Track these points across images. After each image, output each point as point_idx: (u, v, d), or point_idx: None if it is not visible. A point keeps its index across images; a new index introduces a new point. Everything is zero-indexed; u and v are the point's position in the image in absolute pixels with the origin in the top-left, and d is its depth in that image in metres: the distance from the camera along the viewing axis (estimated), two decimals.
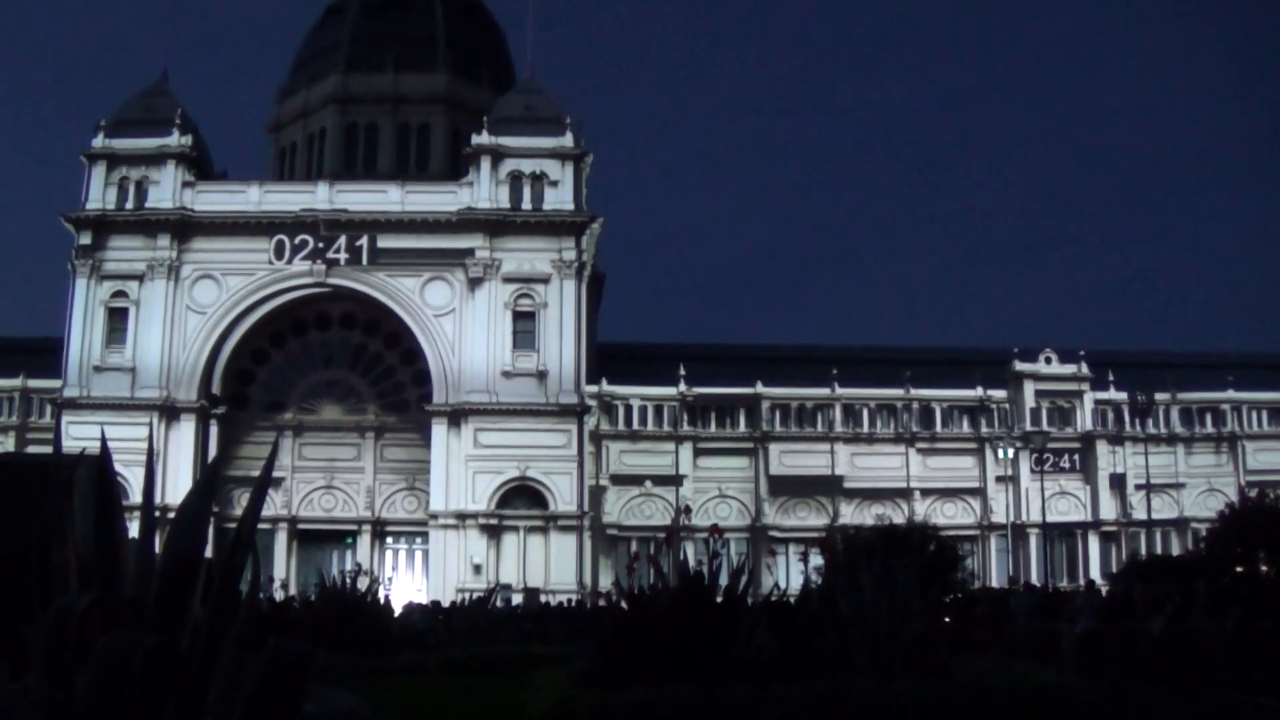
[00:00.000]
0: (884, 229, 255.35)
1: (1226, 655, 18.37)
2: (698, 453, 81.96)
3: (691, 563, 18.41)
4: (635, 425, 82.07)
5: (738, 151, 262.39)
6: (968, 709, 13.63)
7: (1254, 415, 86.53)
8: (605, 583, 70.46)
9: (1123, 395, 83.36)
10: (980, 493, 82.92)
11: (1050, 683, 15.94)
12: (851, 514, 79.15)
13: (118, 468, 7.26)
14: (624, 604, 18.16)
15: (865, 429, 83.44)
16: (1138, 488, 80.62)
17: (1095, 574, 71.31)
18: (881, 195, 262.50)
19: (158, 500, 6.94)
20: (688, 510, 69.13)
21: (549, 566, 73.67)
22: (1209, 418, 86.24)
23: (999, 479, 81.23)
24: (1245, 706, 14.03)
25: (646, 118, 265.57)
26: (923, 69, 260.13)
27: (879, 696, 13.64)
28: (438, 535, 74.43)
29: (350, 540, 79.02)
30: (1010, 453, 78.82)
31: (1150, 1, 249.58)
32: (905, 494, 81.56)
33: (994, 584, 70.40)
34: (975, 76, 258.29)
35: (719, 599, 16.73)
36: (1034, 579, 73.64)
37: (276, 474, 75.69)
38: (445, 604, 51.78)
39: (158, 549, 5.98)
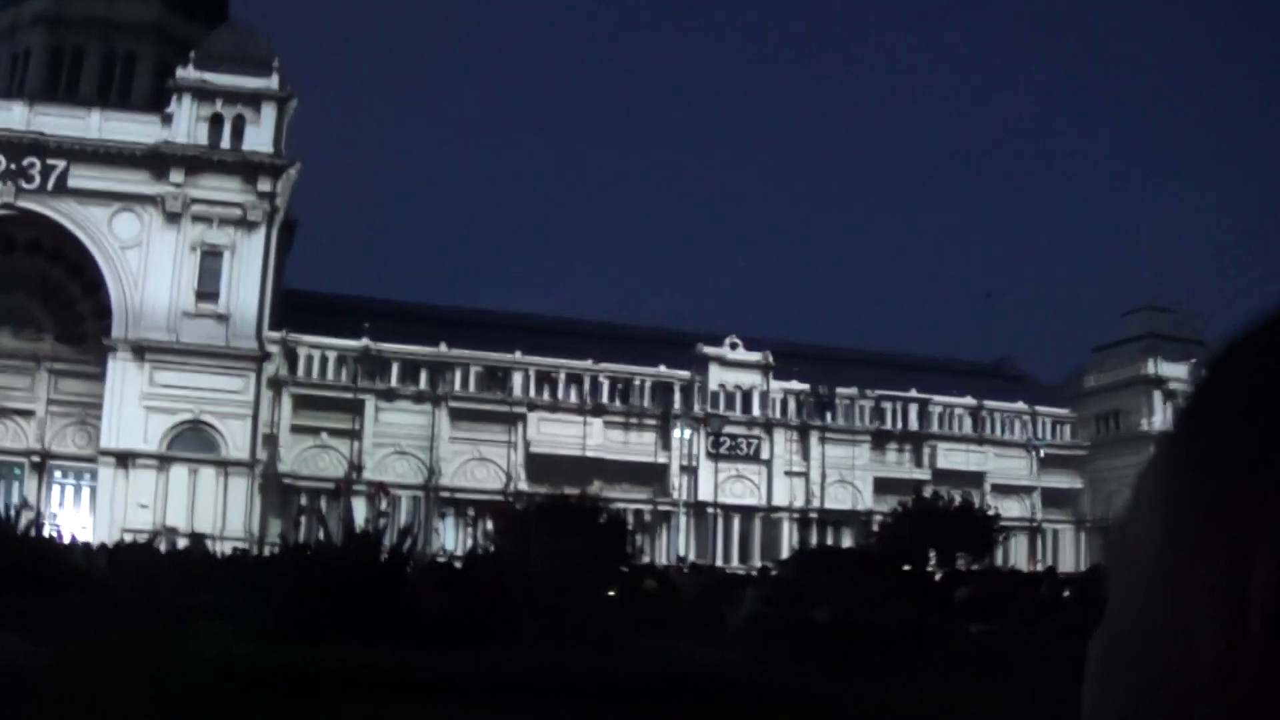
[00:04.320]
0: (589, 207, 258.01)
1: (892, 648, 18.68)
2: (378, 408, 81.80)
3: (361, 518, 19.26)
4: (316, 376, 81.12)
5: (453, 114, 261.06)
6: (632, 681, 13.90)
7: (940, 416, 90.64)
8: (275, 532, 70.21)
9: (805, 386, 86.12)
10: (661, 470, 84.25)
11: (714, 661, 16.13)
12: (532, 480, 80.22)
13: None
14: (290, 558, 18.81)
15: (548, 397, 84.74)
16: (810, 476, 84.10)
17: (768, 559, 74.27)
18: (593, 174, 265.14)
19: None
20: (360, 467, 69.51)
21: (219, 512, 72.11)
22: (892, 415, 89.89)
23: (679, 458, 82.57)
24: (905, 697, 15.07)
25: (365, 70, 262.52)
26: (642, 47, 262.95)
27: (543, 665, 13.87)
28: (107, 472, 72.31)
29: (17, 473, 76.95)
30: (688, 433, 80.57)
31: None
32: (586, 464, 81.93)
33: (667, 561, 72.32)
34: (681, 67, 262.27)
35: (384, 558, 16.99)
36: (712, 559, 75.76)
37: None
38: (112, 543, 51.29)
39: None
